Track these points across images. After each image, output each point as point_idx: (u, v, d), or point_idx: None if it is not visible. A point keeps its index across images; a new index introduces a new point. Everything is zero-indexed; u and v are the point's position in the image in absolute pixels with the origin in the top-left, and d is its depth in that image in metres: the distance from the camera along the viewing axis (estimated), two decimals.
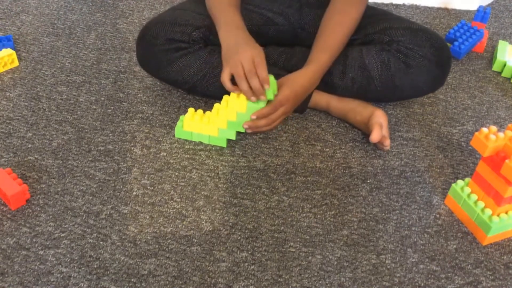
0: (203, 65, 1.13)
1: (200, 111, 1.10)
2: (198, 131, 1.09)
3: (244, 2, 1.21)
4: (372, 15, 1.18)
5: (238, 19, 1.10)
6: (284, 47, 1.23)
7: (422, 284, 0.88)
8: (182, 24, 1.12)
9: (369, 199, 1.02)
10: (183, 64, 1.13)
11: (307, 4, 1.22)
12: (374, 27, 1.15)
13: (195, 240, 0.91)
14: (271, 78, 1.03)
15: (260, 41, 1.24)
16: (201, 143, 1.11)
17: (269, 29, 1.22)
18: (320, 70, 1.10)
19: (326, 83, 1.15)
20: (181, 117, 1.12)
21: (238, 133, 1.13)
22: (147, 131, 1.13)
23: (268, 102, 1.04)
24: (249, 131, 1.05)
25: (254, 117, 1.03)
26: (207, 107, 1.20)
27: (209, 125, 1.07)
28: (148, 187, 1.00)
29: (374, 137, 1.06)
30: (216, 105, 1.08)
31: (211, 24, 1.15)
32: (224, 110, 1.05)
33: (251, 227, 0.95)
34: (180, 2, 1.60)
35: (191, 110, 1.10)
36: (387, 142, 1.08)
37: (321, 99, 1.18)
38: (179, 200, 0.98)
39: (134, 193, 0.99)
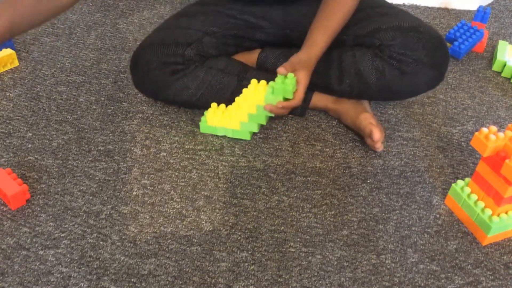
0: (200, 85, 1.11)
1: (222, 105, 1.12)
2: (221, 125, 1.11)
3: (226, 8, 1.18)
4: (361, 9, 1.13)
5: None
6: (281, 49, 1.22)
7: (422, 284, 0.88)
8: (172, 44, 1.10)
9: (369, 199, 1.02)
10: (180, 87, 1.11)
11: (289, 2, 1.18)
12: (363, 28, 1.12)
13: (195, 240, 0.91)
14: (291, 75, 1.03)
15: (252, 45, 1.22)
16: (201, 143, 1.11)
17: (255, 33, 1.20)
18: (321, 54, 1.09)
19: (326, 88, 1.15)
20: (205, 112, 1.13)
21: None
22: (147, 131, 1.13)
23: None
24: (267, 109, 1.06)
25: (280, 106, 1.04)
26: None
27: (231, 119, 1.09)
28: (148, 187, 1.00)
29: (377, 136, 1.05)
30: (237, 98, 1.09)
31: (200, 36, 1.13)
32: (243, 103, 1.07)
33: (251, 227, 0.95)
34: (180, 2, 1.60)
35: (213, 105, 1.11)
36: (379, 144, 1.08)
37: (320, 100, 1.18)
38: (179, 200, 0.98)
39: (134, 193, 0.99)
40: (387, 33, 1.09)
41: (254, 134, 1.14)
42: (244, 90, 1.08)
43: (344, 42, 1.14)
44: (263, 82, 1.08)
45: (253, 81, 1.10)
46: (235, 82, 1.13)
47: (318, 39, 1.08)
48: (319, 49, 1.07)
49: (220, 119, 1.10)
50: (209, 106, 1.13)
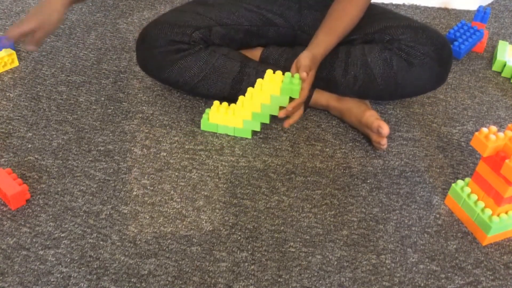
0: (203, 66, 1.13)
1: (225, 103, 1.12)
2: (223, 123, 1.11)
3: (244, 2, 1.21)
4: (370, 14, 1.18)
5: None
6: (284, 47, 1.23)
7: (422, 284, 0.88)
8: (182, 25, 1.13)
9: (369, 199, 1.02)
10: (183, 66, 1.13)
11: (306, 6, 1.22)
12: (373, 26, 1.15)
13: (195, 240, 0.91)
14: (297, 75, 1.03)
15: (260, 42, 1.24)
16: (201, 143, 1.11)
17: (268, 30, 1.22)
18: (326, 53, 1.11)
19: (329, 80, 1.15)
20: (206, 110, 1.14)
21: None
22: (147, 131, 1.13)
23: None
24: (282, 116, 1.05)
25: (290, 108, 1.03)
26: (207, 106, 1.20)
27: (234, 117, 1.09)
28: (148, 187, 1.00)
29: (385, 130, 1.05)
30: (241, 97, 1.09)
31: (211, 24, 1.15)
32: (249, 101, 1.07)
33: (251, 227, 0.95)
34: (180, 2, 1.60)
35: (216, 103, 1.12)
36: (385, 140, 1.08)
37: (321, 97, 1.18)
38: (179, 200, 0.98)
39: (134, 193, 0.99)
40: (397, 29, 1.13)
41: (254, 133, 1.14)
42: (250, 89, 1.07)
43: (353, 42, 1.16)
44: (278, 72, 1.05)
45: (269, 71, 1.06)
46: (238, 68, 1.14)
47: (323, 39, 1.10)
48: (323, 49, 1.09)
49: (223, 117, 1.10)
50: (209, 94, 1.13)
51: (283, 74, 1.06)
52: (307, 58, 1.05)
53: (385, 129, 1.05)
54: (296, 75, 1.03)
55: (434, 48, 1.11)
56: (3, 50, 1.27)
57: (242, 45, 1.22)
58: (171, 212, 0.96)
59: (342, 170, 1.07)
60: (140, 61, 1.18)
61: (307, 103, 1.18)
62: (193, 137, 1.12)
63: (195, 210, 0.97)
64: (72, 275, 0.85)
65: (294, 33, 1.24)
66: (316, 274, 0.88)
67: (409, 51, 1.11)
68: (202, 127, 1.13)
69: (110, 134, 1.12)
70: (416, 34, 1.11)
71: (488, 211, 0.94)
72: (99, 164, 1.05)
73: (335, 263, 0.90)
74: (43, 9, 1.10)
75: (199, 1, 1.23)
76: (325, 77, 1.15)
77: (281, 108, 1.07)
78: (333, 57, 1.14)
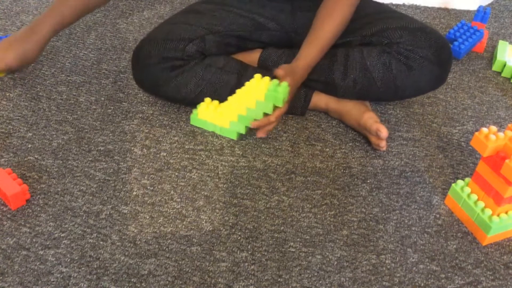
0: (199, 81, 1.12)
1: (215, 101, 1.12)
2: (211, 120, 1.11)
3: (235, 7, 1.19)
4: (367, 13, 1.16)
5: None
6: (283, 49, 1.22)
7: (422, 284, 0.88)
8: (175, 40, 1.10)
9: (369, 199, 1.02)
10: (179, 83, 1.11)
11: (299, 8, 1.20)
12: (370, 28, 1.14)
13: (195, 240, 0.91)
14: (284, 84, 1.01)
15: (254, 46, 1.23)
16: (201, 143, 1.11)
17: (261, 34, 1.21)
18: (310, 66, 1.09)
19: (328, 84, 1.15)
20: (198, 105, 1.13)
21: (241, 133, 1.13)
22: (147, 131, 1.13)
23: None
24: (254, 126, 1.07)
25: (273, 119, 1.04)
26: None
27: (221, 116, 1.09)
28: (148, 187, 1.00)
29: (384, 133, 1.05)
30: (229, 97, 1.09)
31: (204, 33, 1.13)
32: (235, 104, 1.06)
33: (251, 227, 0.95)
34: (180, 2, 1.60)
35: (207, 99, 1.12)
36: (384, 142, 1.08)
37: (320, 100, 1.18)
38: (179, 200, 0.98)
39: (134, 193, 0.99)
40: (395, 32, 1.11)
41: (242, 136, 1.13)
42: (238, 90, 1.07)
43: (350, 43, 1.15)
44: (266, 78, 1.04)
45: (257, 75, 1.05)
46: (235, 80, 1.13)
47: (307, 51, 1.09)
48: (308, 61, 1.08)
49: (211, 115, 1.10)
50: None
51: (271, 79, 1.05)
52: (289, 66, 1.05)
53: (384, 132, 1.05)
54: (283, 83, 1.01)
55: (433, 51, 1.10)
56: None
57: (239, 49, 1.21)
58: (171, 212, 0.96)
59: (342, 170, 1.07)
60: (136, 79, 1.16)
61: (306, 105, 1.18)
62: (193, 137, 1.12)
63: (195, 210, 0.97)
64: (72, 275, 0.85)
65: (288, 36, 1.22)
66: (316, 274, 0.88)
67: (408, 55, 1.10)
68: (192, 122, 1.14)
69: (110, 134, 1.12)
70: (414, 37, 1.10)
71: (488, 211, 0.94)
72: (99, 164, 1.05)
73: (335, 263, 0.90)
74: (23, 44, 1.13)
75: (189, 9, 1.21)
76: (324, 80, 1.14)
77: (265, 114, 1.06)
78: (331, 60, 1.13)
